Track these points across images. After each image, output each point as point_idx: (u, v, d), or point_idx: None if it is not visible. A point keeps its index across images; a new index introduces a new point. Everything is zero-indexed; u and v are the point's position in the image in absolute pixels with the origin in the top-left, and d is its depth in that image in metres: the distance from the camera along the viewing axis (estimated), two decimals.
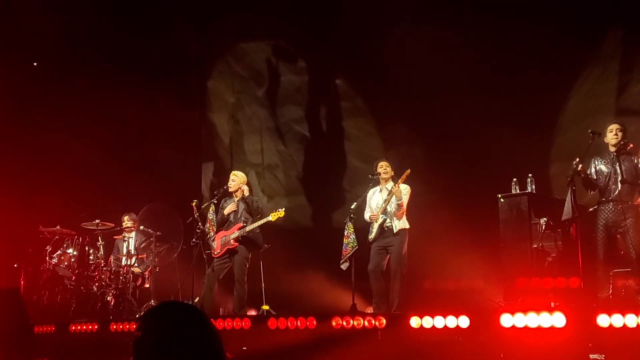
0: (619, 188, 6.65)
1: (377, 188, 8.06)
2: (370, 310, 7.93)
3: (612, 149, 6.82)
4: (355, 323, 6.02)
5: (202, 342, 2.40)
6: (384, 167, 7.99)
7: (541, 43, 9.20)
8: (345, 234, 7.90)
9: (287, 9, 11.58)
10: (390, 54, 10.44)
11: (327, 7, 11.14)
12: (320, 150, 11.65)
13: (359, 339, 5.97)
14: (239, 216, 8.47)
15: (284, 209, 8.36)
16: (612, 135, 6.75)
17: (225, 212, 8.49)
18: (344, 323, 6.07)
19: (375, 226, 7.82)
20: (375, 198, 8.04)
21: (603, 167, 6.83)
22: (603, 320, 4.99)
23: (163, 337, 2.36)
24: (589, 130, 6.72)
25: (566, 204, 6.64)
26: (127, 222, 9.94)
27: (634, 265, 6.53)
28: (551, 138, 9.38)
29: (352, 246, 7.85)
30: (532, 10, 9.26)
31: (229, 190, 8.57)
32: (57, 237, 9.79)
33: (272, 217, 8.26)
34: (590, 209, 6.87)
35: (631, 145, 6.68)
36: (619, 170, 6.67)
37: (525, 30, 9.28)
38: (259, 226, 8.35)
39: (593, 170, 6.93)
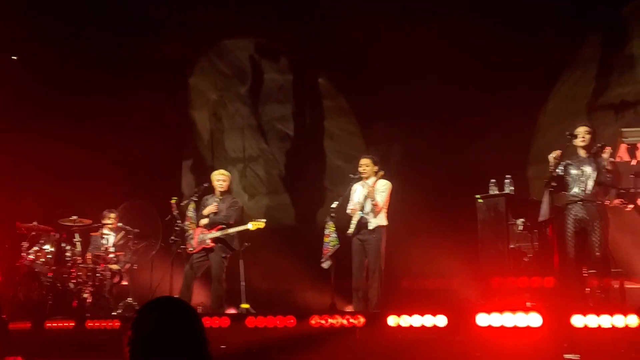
0: (587, 188, 6.71)
1: (362, 182, 8.09)
2: (349, 308, 7.95)
3: (581, 152, 6.87)
4: (333, 322, 6.03)
5: (191, 339, 2.47)
6: (362, 166, 8.02)
7: (521, 46, 9.28)
8: (326, 232, 7.90)
9: (270, 6, 11.56)
10: (373, 54, 10.49)
11: (310, 6, 11.14)
12: (302, 149, 11.66)
13: (338, 337, 5.98)
14: (218, 212, 8.45)
15: (264, 220, 8.32)
16: (580, 137, 6.80)
17: (205, 212, 8.46)
18: (323, 322, 6.08)
19: (354, 220, 7.86)
20: (357, 192, 8.08)
21: (572, 170, 6.87)
22: (578, 320, 5.05)
23: (153, 332, 2.44)
24: (567, 133, 6.76)
25: (543, 205, 6.69)
26: (112, 219, 9.86)
27: (598, 265, 6.58)
28: (530, 140, 9.47)
29: (333, 245, 7.85)
30: (512, 13, 9.34)
31: (221, 189, 8.54)
32: (33, 233, 9.67)
33: (251, 226, 8.24)
34: (565, 212, 6.91)
35: (608, 148, 6.73)
36: (590, 172, 6.71)
37: (506, 33, 9.36)
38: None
39: (561, 170, 6.93)
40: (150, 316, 2.50)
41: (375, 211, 7.77)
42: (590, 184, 6.69)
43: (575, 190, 6.78)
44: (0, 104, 10.86)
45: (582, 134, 6.79)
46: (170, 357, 2.41)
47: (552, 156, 6.74)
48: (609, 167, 6.54)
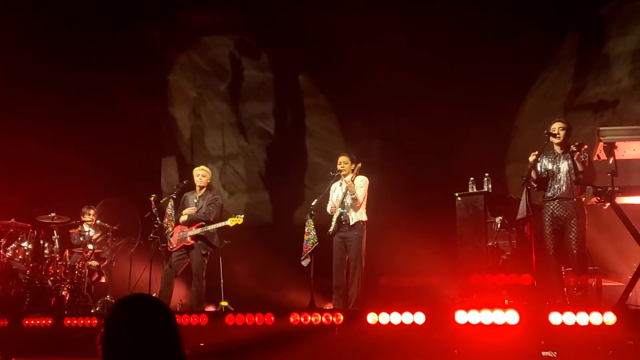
0: (564, 186, 6.77)
1: (340, 181, 8.12)
2: (329, 306, 7.97)
3: (557, 148, 6.93)
4: (313, 319, 6.03)
5: (164, 337, 2.43)
6: (341, 163, 8.04)
7: (501, 45, 9.34)
8: (306, 230, 7.91)
9: (251, 3, 11.53)
10: (353, 52, 10.50)
11: (290, 3, 11.13)
12: (282, 146, 11.64)
13: (317, 335, 5.99)
14: (198, 210, 8.41)
15: (242, 216, 8.30)
16: (555, 133, 6.85)
17: (185, 212, 8.41)
18: (302, 319, 6.07)
19: (334, 218, 7.88)
20: (336, 191, 8.10)
21: (549, 165, 6.93)
22: (555, 318, 5.09)
23: (125, 329, 2.39)
24: (545, 131, 6.82)
25: (521, 203, 6.74)
26: (91, 215, 9.79)
27: (576, 263, 6.64)
28: (508, 138, 9.54)
29: (313, 242, 7.87)
30: (492, 12, 9.40)
31: (200, 185, 8.50)
32: (11, 230, 9.57)
33: (230, 223, 8.21)
34: (543, 210, 6.97)
35: (586, 146, 6.78)
36: (566, 169, 6.77)
37: (485, 32, 9.42)
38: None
39: (540, 168, 6.99)
40: (122, 313, 2.45)
41: (355, 206, 7.80)
42: (566, 180, 6.75)
43: (552, 187, 6.84)
44: None
45: (556, 129, 6.85)
46: (142, 355, 2.36)
47: (531, 158, 6.78)
48: (581, 163, 6.60)
